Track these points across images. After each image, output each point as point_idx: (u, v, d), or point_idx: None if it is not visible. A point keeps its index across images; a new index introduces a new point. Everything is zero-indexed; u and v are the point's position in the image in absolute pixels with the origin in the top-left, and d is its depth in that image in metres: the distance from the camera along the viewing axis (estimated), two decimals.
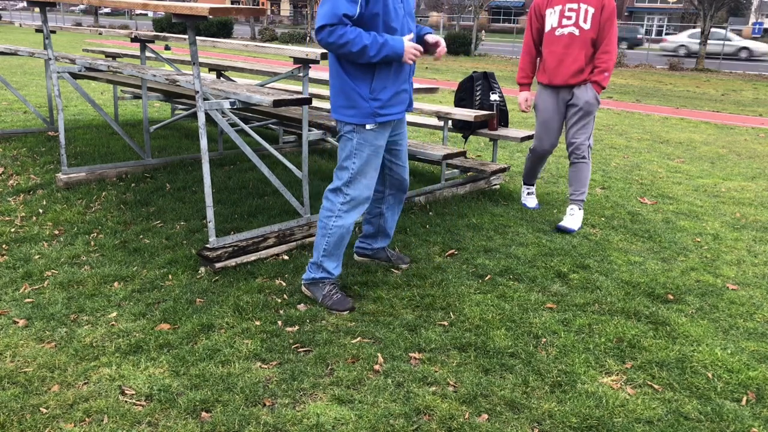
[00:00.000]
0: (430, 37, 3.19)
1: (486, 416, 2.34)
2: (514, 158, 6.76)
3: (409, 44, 2.90)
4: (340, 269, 3.22)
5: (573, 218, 4.45)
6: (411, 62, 2.95)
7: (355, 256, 3.70)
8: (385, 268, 3.60)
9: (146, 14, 59.69)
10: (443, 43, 3.16)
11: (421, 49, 2.98)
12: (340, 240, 3.12)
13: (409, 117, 5.81)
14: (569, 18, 4.24)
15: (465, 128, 5.25)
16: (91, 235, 3.93)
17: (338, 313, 3.07)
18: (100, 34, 6.21)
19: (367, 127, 2.99)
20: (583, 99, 4.31)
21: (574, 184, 4.48)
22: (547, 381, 2.59)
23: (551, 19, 4.31)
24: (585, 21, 4.22)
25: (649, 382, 2.62)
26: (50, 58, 4.57)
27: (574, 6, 4.21)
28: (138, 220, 4.21)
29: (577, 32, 4.23)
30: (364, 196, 3.10)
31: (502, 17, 58.89)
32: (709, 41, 26.05)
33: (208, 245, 3.49)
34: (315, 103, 5.95)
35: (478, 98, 5.24)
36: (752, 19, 49.12)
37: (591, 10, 4.20)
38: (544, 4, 4.36)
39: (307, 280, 3.20)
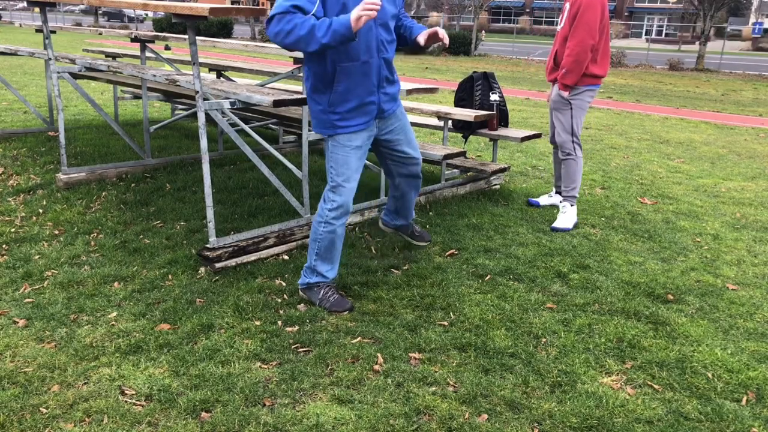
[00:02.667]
0: (421, 38, 3.07)
1: (486, 416, 2.34)
2: (514, 158, 6.76)
3: (355, 10, 2.58)
4: (335, 272, 3.20)
5: (565, 216, 4.48)
6: (369, 17, 2.59)
7: (381, 224, 3.77)
8: (384, 268, 3.60)
9: (145, 15, 59.62)
10: (441, 32, 3.02)
11: (375, 3, 2.57)
12: (331, 244, 3.11)
13: (409, 117, 5.81)
14: (562, 17, 4.42)
15: (465, 128, 5.25)
16: (91, 235, 3.93)
17: (338, 313, 3.07)
18: (100, 34, 6.21)
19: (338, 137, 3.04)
20: (551, 96, 4.54)
21: (564, 180, 4.56)
22: (547, 381, 2.59)
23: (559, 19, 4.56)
24: (563, 19, 4.35)
25: (649, 382, 2.62)
26: (50, 58, 4.57)
27: (566, 5, 4.36)
28: (138, 220, 4.21)
29: (559, 30, 4.41)
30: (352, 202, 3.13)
31: (502, 17, 58.89)
32: None
33: (208, 245, 3.49)
34: None
35: (478, 98, 5.24)
36: (752, 19, 49.10)
37: (567, 8, 4.29)
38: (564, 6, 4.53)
39: (303, 284, 3.19)
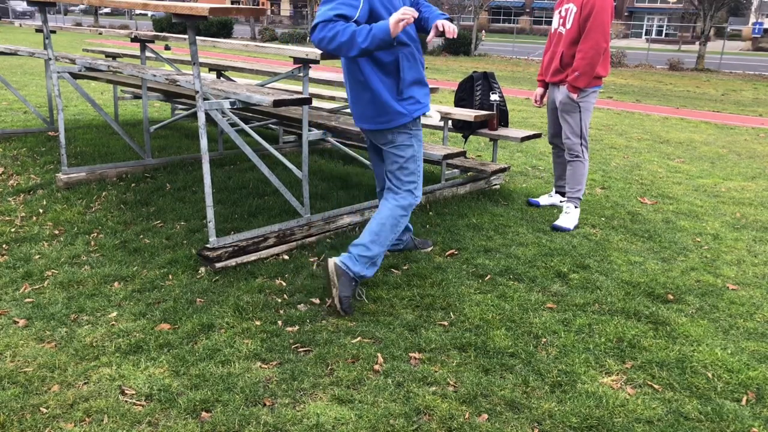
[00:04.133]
0: (431, 33, 3.07)
1: (486, 416, 2.34)
2: (514, 158, 6.76)
3: (394, 16, 2.71)
4: None
5: (568, 216, 4.47)
6: (408, 23, 2.72)
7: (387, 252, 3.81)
8: (384, 268, 3.60)
9: (146, 14, 59.67)
10: (449, 26, 2.98)
11: (412, 11, 2.72)
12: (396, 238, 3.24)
13: None
14: (562, 18, 4.38)
15: (465, 128, 5.25)
16: (91, 235, 3.93)
17: (345, 315, 3.05)
18: (100, 34, 6.21)
19: (416, 123, 3.11)
20: (558, 99, 4.50)
21: (570, 182, 4.54)
22: (547, 381, 2.59)
23: (554, 20, 4.50)
24: (569, 21, 4.30)
25: (649, 382, 2.62)
26: (50, 58, 4.57)
27: (567, 6, 4.32)
28: (138, 220, 4.21)
29: (563, 32, 4.36)
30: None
31: (502, 17, 58.88)
32: None
33: (208, 245, 3.49)
34: (315, 103, 5.95)
35: (478, 98, 5.24)
36: (752, 19, 49.10)
37: (573, 10, 4.25)
38: (557, 6, 4.53)
39: (349, 268, 3.04)
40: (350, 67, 3.05)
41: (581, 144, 4.44)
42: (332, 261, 3.06)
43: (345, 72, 3.14)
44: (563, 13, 4.36)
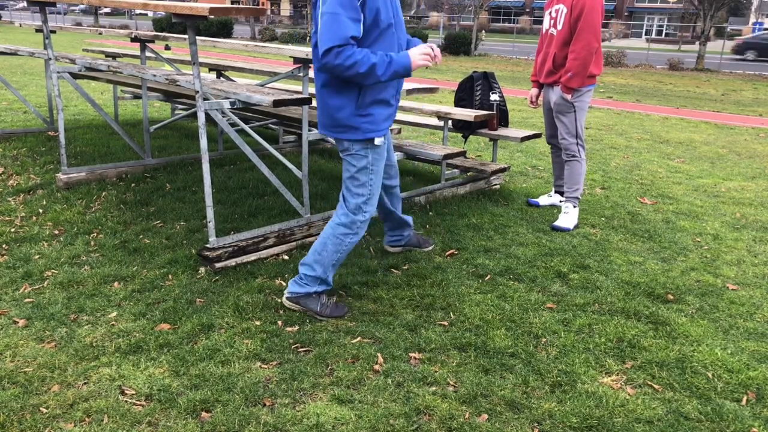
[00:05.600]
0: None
1: (486, 416, 2.34)
2: (514, 158, 6.76)
3: (415, 53, 2.78)
4: None
5: (567, 216, 4.47)
6: (427, 66, 2.87)
7: (389, 248, 3.84)
8: (384, 268, 3.60)
9: (146, 14, 59.70)
10: (436, 50, 2.97)
11: (433, 48, 2.85)
12: (348, 253, 3.13)
13: (410, 117, 5.81)
14: (553, 19, 4.40)
15: (465, 128, 5.25)
16: (91, 235, 3.93)
17: (338, 318, 3.05)
18: (100, 34, 6.21)
19: (376, 141, 2.93)
20: (552, 99, 4.52)
21: (567, 182, 4.54)
22: (547, 381, 2.59)
23: (545, 20, 4.52)
24: (560, 22, 4.32)
25: (649, 382, 2.62)
26: (50, 58, 4.57)
27: (557, 7, 4.34)
28: (138, 220, 4.21)
29: (554, 33, 4.38)
30: (376, 210, 3.16)
31: (502, 17, 58.89)
32: None
33: (208, 245, 3.49)
34: (315, 103, 5.95)
35: (478, 98, 5.24)
36: (752, 19, 49.11)
37: (564, 11, 4.26)
38: (546, 7, 4.54)
39: (298, 294, 3.06)
40: (317, 75, 2.90)
41: (577, 143, 4.46)
42: (284, 297, 3.10)
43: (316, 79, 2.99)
44: (554, 14, 4.37)
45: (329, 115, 2.91)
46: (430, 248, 3.89)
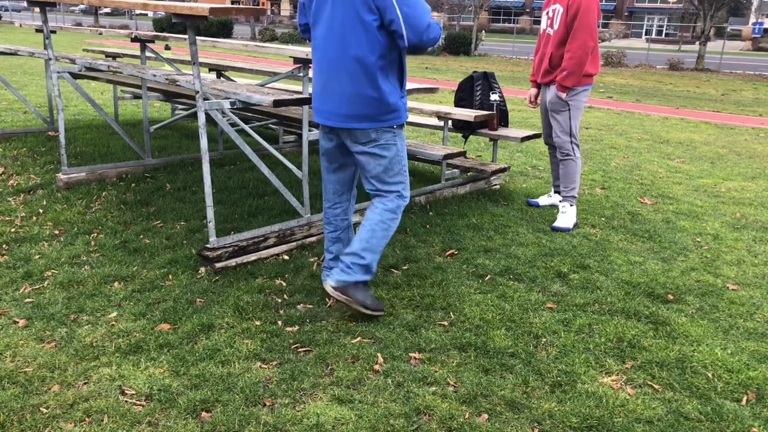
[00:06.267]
0: None
1: (486, 416, 2.34)
2: (514, 158, 6.76)
3: None
4: None
5: (564, 216, 4.48)
6: None
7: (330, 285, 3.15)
8: (384, 268, 3.60)
9: (146, 14, 59.70)
10: None
11: None
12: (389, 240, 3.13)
13: (409, 117, 5.81)
14: (550, 18, 4.40)
15: (465, 128, 5.25)
16: (91, 235, 3.93)
17: (379, 312, 3.03)
18: (100, 34, 6.21)
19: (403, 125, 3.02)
20: (547, 99, 4.53)
21: (563, 181, 4.56)
22: (547, 381, 2.59)
23: (542, 20, 4.53)
24: (556, 21, 4.33)
25: (649, 382, 2.62)
26: (50, 58, 4.57)
27: (555, 7, 4.34)
28: (138, 220, 4.21)
29: (551, 33, 4.38)
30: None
31: (502, 17, 58.89)
32: None
33: (208, 245, 3.49)
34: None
35: (478, 98, 5.24)
36: (752, 19, 49.10)
37: (560, 10, 4.28)
38: (544, 7, 4.54)
39: (346, 282, 2.94)
40: (356, 60, 2.81)
41: (571, 142, 4.46)
42: (328, 285, 2.95)
43: (340, 68, 2.86)
44: (551, 14, 4.38)
45: (377, 102, 2.86)
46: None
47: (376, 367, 2.63)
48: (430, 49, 27.78)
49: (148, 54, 5.41)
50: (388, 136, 2.95)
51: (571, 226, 4.43)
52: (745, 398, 2.53)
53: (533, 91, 4.78)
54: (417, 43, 2.77)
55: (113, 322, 2.92)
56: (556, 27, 4.31)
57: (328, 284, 2.95)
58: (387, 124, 2.93)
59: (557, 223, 4.44)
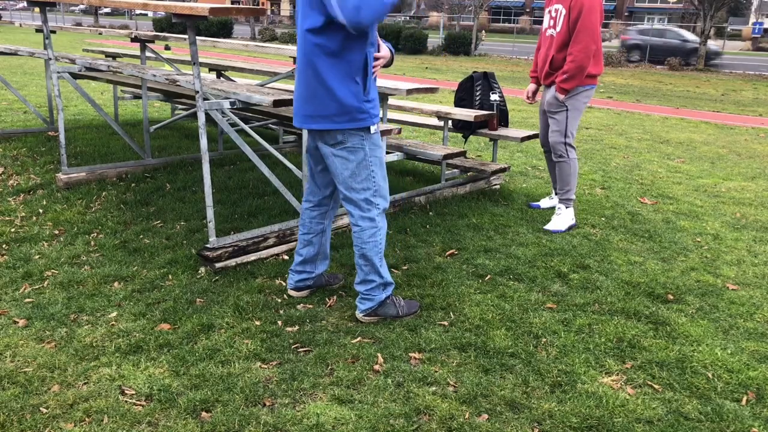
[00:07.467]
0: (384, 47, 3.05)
1: (486, 416, 2.34)
2: (514, 158, 6.76)
3: None
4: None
5: (559, 218, 4.46)
6: None
7: (292, 293, 3.25)
8: None
9: (146, 14, 59.72)
10: (385, 52, 2.98)
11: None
12: (384, 245, 3.02)
13: (410, 117, 5.81)
14: (552, 19, 4.37)
15: (465, 128, 5.25)
16: (91, 235, 3.93)
17: (415, 311, 3.06)
18: (100, 34, 6.21)
19: (372, 129, 2.89)
20: (546, 100, 4.51)
21: (559, 183, 4.54)
22: (547, 381, 2.59)
23: (545, 19, 4.49)
24: (558, 23, 4.29)
25: (649, 382, 2.62)
26: (50, 58, 4.57)
27: (557, 7, 4.31)
28: (138, 220, 4.21)
29: (554, 34, 4.35)
30: (388, 201, 3.05)
31: (502, 17, 58.89)
32: None
33: (208, 245, 3.49)
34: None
35: (478, 98, 5.24)
36: (752, 19, 49.11)
37: (563, 11, 4.23)
38: (546, 5, 4.51)
39: (371, 308, 2.99)
40: (313, 61, 2.79)
41: (565, 143, 4.42)
42: (359, 316, 3.02)
43: (303, 67, 2.85)
44: (553, 14, 4.33)
45: (336, 102, 2.80)
46: (340, 283, 3.40)
47: (376, 367, 2.63)
48: (430, 48, 27.80)
49: (148, 54, 5.41)
50: (356, 140, 2.87)
51: (563, 228, 4.41)
52: (745, 398, 2.53)
53: (532, 87, 4.76)
54: (355, 21, 2.60)
55: (113, 322, 2.92)
56: (558, 29, 4.27)
57: (358, 315, 3.03)
58: (346, 126, 2.83)
59: (549, 225, 4.42)
